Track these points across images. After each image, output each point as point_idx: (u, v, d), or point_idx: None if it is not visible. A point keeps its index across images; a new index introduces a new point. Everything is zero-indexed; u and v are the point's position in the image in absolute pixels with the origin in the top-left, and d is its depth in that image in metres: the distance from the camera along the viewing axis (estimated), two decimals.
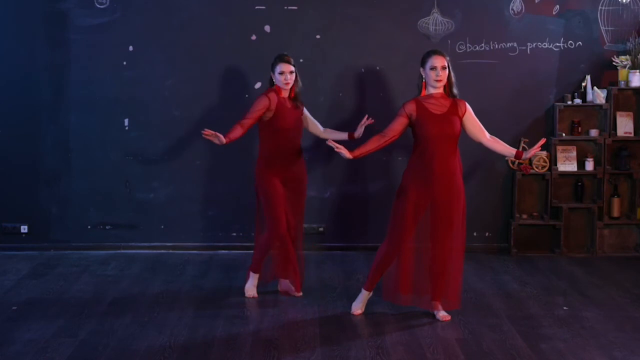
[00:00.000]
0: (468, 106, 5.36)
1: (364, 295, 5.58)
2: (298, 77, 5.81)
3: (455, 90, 5.36)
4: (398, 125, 5.32)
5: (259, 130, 5.83)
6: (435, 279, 5.39)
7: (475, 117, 5.38)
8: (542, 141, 5.33)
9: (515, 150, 5.39)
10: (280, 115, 5.71)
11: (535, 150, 5.30)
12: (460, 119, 5.32)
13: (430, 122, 5.25)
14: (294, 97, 5.82)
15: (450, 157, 5.30)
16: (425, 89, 5.35)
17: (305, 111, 5.94)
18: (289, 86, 5.75)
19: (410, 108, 5.30)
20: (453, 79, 5.35)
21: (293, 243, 5.86)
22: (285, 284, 5.95)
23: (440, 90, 5.33)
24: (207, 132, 5.53)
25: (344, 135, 5.98)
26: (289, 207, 5.82)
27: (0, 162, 7.14)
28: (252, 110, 5.71)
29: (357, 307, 5.55)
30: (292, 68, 5.73)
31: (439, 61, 5.27)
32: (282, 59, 5.73)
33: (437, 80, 5.27)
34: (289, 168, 5.81)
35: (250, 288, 5.94)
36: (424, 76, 5.34)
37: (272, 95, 5.72)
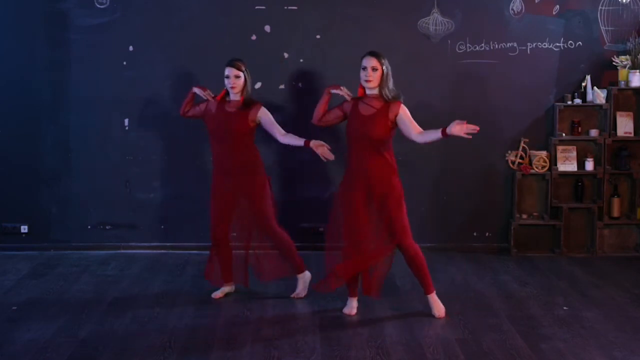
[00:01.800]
0: (403, 108, 5.32)
1: (349, 301, 5.60)
2: (248, 85, 5.75)
3: (386, 92, 5.31)
4: (332, 113, 5.50)
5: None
6: (415, 273, 5.44)
7: (410, 117, 5.32)
8: (472, 127, 5.08)
9: (441, 128, 5.16)
10: (208, 118, 5.83)
11: (462, 126, 5.06)
12: (392, 121, 5.31)
13: (356, 122, 5.33)
14: (244, 103, 5.74)
15: (372, 158, 5.29)
16: (363, 90, 5.38)
17: (263, 117, 5.77)
18: (235, 90, 5.74)
19: (347, 105, 5.44)
20: (385, 81, 5.32)
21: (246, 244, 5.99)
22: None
23: (376, 92, 5.35)
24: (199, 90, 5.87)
25: (300, 142, 5.68)
26: (232, 212, 5.91)
27: (0, 162, 7.14)
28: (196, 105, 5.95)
29: (351, 310, 5.55)
30: (239, 73, 5.71)
31: (369, 62, 5.32)
32: (229, 62, 5.76)
33: (366, 81, 5.32)
34: (230, 172, 5.83)
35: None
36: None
37: (212, 102, 5.83)
